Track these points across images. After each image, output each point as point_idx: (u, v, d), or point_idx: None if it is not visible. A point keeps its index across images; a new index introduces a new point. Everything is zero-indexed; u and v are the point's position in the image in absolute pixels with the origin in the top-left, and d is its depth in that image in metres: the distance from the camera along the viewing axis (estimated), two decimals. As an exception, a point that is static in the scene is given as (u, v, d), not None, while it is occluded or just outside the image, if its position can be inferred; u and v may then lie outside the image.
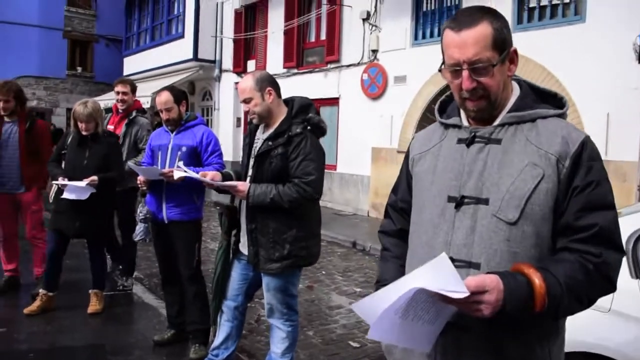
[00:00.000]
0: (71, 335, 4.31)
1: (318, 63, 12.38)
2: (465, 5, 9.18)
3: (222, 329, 3.43)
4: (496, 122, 1.58)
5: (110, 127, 5.39)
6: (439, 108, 1.78)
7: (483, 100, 1.53)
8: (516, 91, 1.62)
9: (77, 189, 4.38)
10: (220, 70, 15.70)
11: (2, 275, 5.32)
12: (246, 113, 15.31)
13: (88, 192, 4.38)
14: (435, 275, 1.27)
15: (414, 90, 10.00)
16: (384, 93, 10.60)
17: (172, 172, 3.70)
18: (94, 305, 4.74)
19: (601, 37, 7.30)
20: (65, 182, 4.40)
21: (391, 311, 1.32)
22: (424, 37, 10.06)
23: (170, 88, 4.06)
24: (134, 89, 5.48)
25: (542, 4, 8.27)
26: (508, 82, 1.59)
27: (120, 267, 5.43)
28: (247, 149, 3.28)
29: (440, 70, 1.62)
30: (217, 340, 3.45)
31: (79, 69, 22.71)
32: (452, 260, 1.42)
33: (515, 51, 1.57)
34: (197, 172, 3.36)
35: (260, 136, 3.22)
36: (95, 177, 4.38)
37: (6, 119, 5.03)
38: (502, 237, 1.47)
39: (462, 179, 1.55)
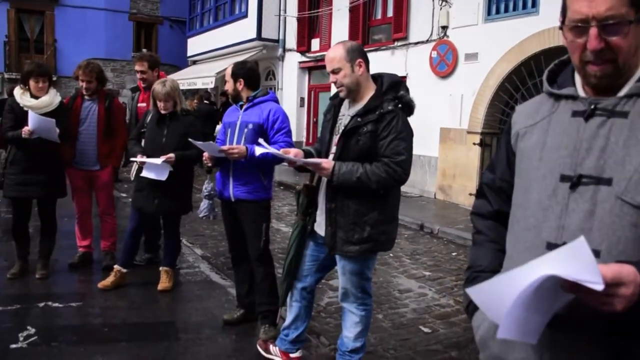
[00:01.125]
0: (143, 312, 4.34)
1: (385, 41, 12.05)
2: (543, -24, 8.64)
3: (292, 310, 3.34)
4: (622, 93, 1.36)
5: (142, 105, 5.42)
6: (548, 77, 1.55)
7: (609, 65, 1.32)
8: None
9: (155, 168, 4.36)
10: (284, 50, 15.59)
11: (76, 251, 5.41)
12: (310, 92, 15.18)
13: (166, 172, 4.36)
14: (570, 261, 1.10)
15: (485, 68, 9.54)
16: (454, 71, 10.19)
17: (232, 149, 3.61)
18: (164, 283, 4.76)
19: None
20: (143, 159, 4.41)
21: (519, 301, 1.15)
22: (497, 12, 9.56)
23: (234, 64, 4.03)
24: (153, 65, 5.39)
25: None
26: (638, 51, 1.35)
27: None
28: (329, 125, 3.10)
29: (561, 28, 1.41)
30: (287, 321, 3.38)
31: (144, 50, 23.12)
32: None
33: None
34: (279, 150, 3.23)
35: (346, 112, 3.04)
36: (172, 155, 4.34)
37: (86, 97, 5.11)
38: (628, 222, 1.27)
39: (579, 156, 1.35)
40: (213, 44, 17.92)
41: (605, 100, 1.37)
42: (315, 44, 14.50)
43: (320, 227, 3.10)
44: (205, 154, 3.87)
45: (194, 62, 20.53)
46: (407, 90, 3.00)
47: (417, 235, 8.01)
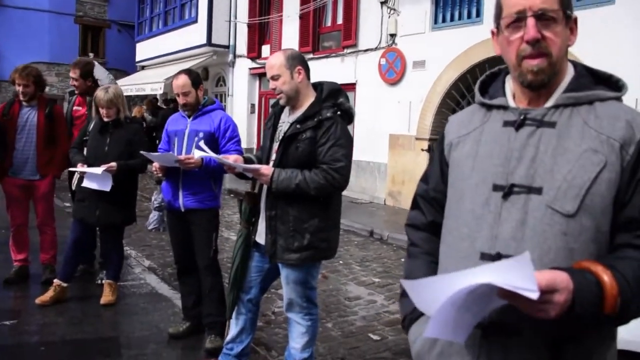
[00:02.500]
0: (83, 328, 4.17)
1: (334, 48, 12.11)
2: (487, -13, 8.88)
3: (237, 323, 3.28)
4: (549, 104, 1.41)
5: (77, 108, 5.33)
6: (480, 88, 1.59)
7: (545, 58, 1.36)
8: (571, 71, 1.44)
9: (97, 178, 4.22)
10: (235, 56, 15.46)
11: (11, 266, 5.16)
12: (261, 99, 15.11)
13: (109, 182, 4.22)
14: (509, 271, 1.12)
15: (433, 76, 9.72)
16: (402, 78, 10.33)
17: (189, 159, 3.54)
18: (107, 296, 4.60)
19: (632, 19, 7.00)
20: (83, 168, 4.26)
21: (451, 301, 1.17)
22: (444, 20, 9.76)
23: (188, 71, 3.88)
24: (85, 75, 5.21)
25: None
26: (565, 55, 1.41)
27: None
28: (269, 132, 3.09)
29: (493, 34, 1.49)
30: (231, 334, 3.31)
31: (91, 55, 22.51)
32: (500, 256, 1.32)
33: (576, 21, 1.41)
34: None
35: (286, 119, 3.03)
36: (113, 164, 4.21)
37: (24, 103, 4.90)
38: (558, 230, 1.29)
39: (510, 165, 1.38)
40: (162, 49, 17.61)
41: (534, 111, 1.40)
42: (265, 50, 14.44)
43: (261, 236, 3.06)
44: (156, 165, 3.77)
45: (143, 67, 20.13)
46: (346, 98, 3.03)
47: (367, 241, 8.05)
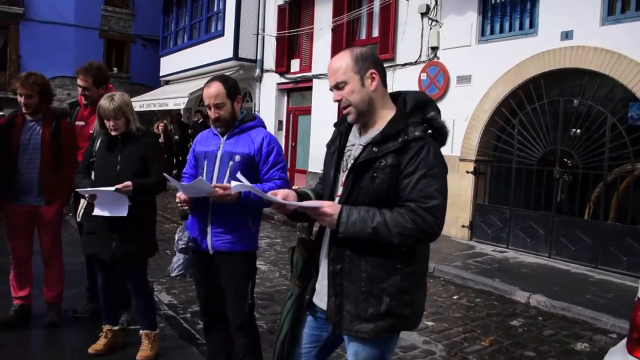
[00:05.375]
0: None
1: (369, 62, 11.37)
2: (543, -5, 8.10)
3: None
4: None
5: (80, 124, 4.52)
6: None
7: None
8: None
9: (110, 202, 3.47)
10: (262, 70, 14.82)
11: (10, 304, 4.42)
12: (289, 115, 14.39)
13: (125, 206, 3.47)
14: None
15: (480, 92, 8.92)
16: (445, 94, 9.52)
17: (225, 188, 2.80)
18: (144, 351, 3.78)
19: None
20: (91, 189, 3.53)
21: None
22: (492, 32, 8.98)
23: (222, 78, 3.16)
24: (99, 81, 4.44)
25: (639, -8, 7.13)
26: None
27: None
28: (334, 158, 2.33)
29: None
30: None
31: (115, 70, 22.22)
32: None
33: None
34: (265, 190, 2.43)
35: (356, 141, 2.27)
36: (128, 183, 3.45)
37: (28, 117, 4.21)
38: None
39: None
40: (187, 64, 17.08)
41: None
42: (295, 64, 13.79)
43: (321, 298, 2.29)
44: (181, 195, 3.02)
45: (167, 82, 19.64)
46: (438, 111, 2.24)
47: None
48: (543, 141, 8.10)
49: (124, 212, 3.47)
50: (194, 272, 3.21)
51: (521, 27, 8.56)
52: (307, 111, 13.38)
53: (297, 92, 14.09)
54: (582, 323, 5.48)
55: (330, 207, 2.10)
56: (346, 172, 2.22)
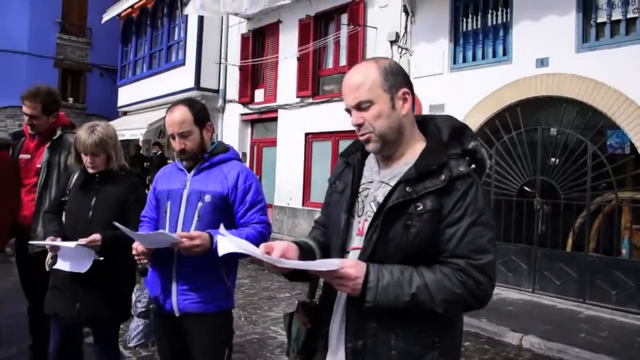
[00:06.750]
0: None
1: (337, 92, 11.03)
2: (514, 22, 7.92)
3: None
4: None
5: (25, 157, 3.89)
6: None
7: None
8: None
9: (72, 252, 2.86)
10: (225, 101, 14.32)
11: None
12: (253, 147, 13.89)
13: (88, 261, 2.85)
14: None
15: (454, 121, 8.62)
16: (418, 124, 9.20)
17: (194, 239, 2.27)
18: None
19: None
20: (45, 242, 2.92)
21: None
22: (464, 60, 8.75)
23: (189, 102, 2.65)
24: (49, 108, 3.79)
25: (614, 18, 6.99)
26: None
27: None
28: (343, 199, 1.81)
29: None
30: None
31: (70, 100, 21.36)
32: None
33: None
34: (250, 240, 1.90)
35: (376, 177, 1.78)
36: (96, 236, 2.83)
37: None
38: None
39: None
40: (146, 94, 16.43)
41: None
42: (259, 94, 13.33)
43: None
44: (138, 247, 2.48)
45: (125, 113, 18.90)
46: (475, 139, 1.78)
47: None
48: (522, 171, 7.82)
49: (83, 268, 2.84)
50: (156, 339, 2.62)
51: (494, 55, 8.36)
52: (272, 143, 12.91)
53: (261, 122, 13.63)
54: (582, 367, 5.08)
55: (354, 268, 1.58)
56: (365, 219, 1.72)
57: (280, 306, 6.87)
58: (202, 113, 2.63)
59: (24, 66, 20.04)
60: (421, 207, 1.62)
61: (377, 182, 1.75)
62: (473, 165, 1.67)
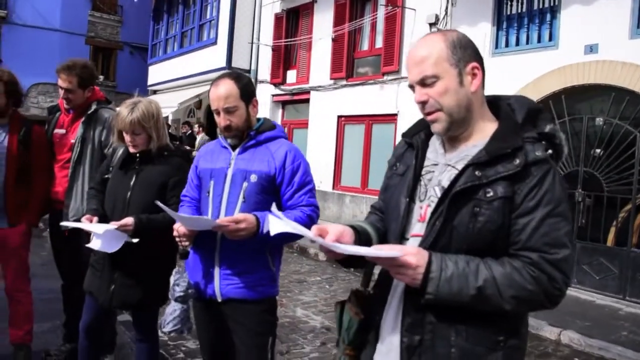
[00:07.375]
0: None
1: (371, 74, 10.80)
2: (563, 6, 7.58)
3: None
4: None
5: (60, 132, 3.78)
6: None
7: None
8: None
9: (105, 235, 2.73)
10: (256, 81, 14.19)
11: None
12: (285, 128, 13.79)
13: (119, 242, 2.73)
14: None
15: (493, 107, 8.35)
16: (455, 109, 8.96)
17: (239, 222, 2.14)
18: None
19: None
20: (76, 224, 2.84)
21: None
22: (507, 45, 8.44)
23: (235, 75, 2.49)
24: (84, 82, 3.66)
25: None
26: None
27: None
28: (405, 182, 1.66)
29: None
30: None
31: (101, 78, 21.45)
32: None
33: None
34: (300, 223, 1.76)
35: (441, 160, 1.63)
36: (129, 220, 2.69)
37: None
38: None
39: None
40: (177, 73, 16.42)
41: None
42: (291, 75, 13.17)
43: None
44: (179, 228, 2.35)
45: (155, 92, 18.94)
46: (553, 122, 1.60)
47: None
48: (564, 161, 7.51)
49: (112, 249, 2.72)
50: (197, 326, 2.51)
51: (539, 40, 8.03)
52: (304, 125, 12.75)
53: (292, 104, 13.47)
54: (626, 367, 4.87)
55: (415, 256, 1.44)
56: (428, 204, 1.57)
57: (310, 290, 6.77)
58: (249, 87, 2.48)
59: (56, 43, 20.21)
60: (491, 194, 1.47)
61: (443, 165, 1.60)
62: (550, 151, 1.52)
